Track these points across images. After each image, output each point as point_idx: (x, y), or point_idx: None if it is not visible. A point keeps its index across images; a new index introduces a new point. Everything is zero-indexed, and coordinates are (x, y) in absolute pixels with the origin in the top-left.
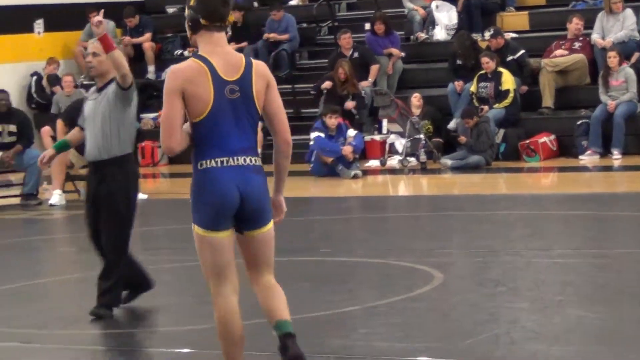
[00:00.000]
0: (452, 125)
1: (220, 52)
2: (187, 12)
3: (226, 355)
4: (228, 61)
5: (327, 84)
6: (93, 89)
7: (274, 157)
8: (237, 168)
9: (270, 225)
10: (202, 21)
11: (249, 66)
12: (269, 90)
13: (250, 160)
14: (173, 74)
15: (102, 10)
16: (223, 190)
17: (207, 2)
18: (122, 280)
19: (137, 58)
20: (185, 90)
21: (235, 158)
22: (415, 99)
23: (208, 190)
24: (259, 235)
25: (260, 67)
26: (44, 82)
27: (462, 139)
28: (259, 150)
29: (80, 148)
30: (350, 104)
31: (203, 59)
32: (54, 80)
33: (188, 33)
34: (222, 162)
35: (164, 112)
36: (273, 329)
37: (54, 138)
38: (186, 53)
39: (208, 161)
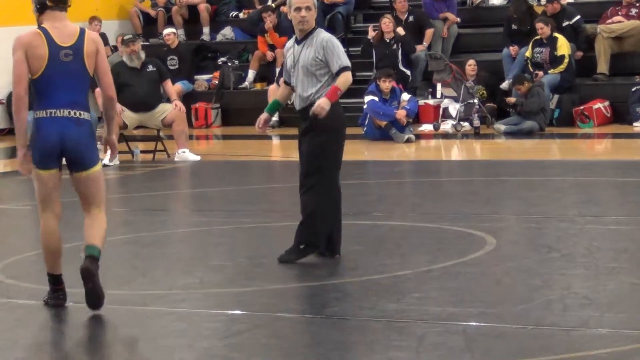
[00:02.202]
0: (504, 85)
1: (59, 25)
2: None
3: (47, 262)
4: (64, 31)
5: (375, 35)
6: (291, 42)
7: (103, 108)
8: (61, 119)
9: (96, 168)
10: (48, 3)
11: (82, 34)
12: (99, 55)
13: (75, 114)
14: (18, 40)
15: None
16: (47, 137)
17: None
18: (318, 219)
19: (192, 20)
20: (26, 52)
21: (61, 110)
22: (470, 67)
23: (38, 137)
24: (83, 176)
25: (91, 35)
26: None
27: (511, 100)
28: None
29: (133, 108)
30: (400, 30)
31: (43, 29)
32: (104, 40)
33: (35, 15)
34: (50, 113)
35: (14, 66)
36: (84, 250)
37: None
38: (241, 15)
39: (41, 112)
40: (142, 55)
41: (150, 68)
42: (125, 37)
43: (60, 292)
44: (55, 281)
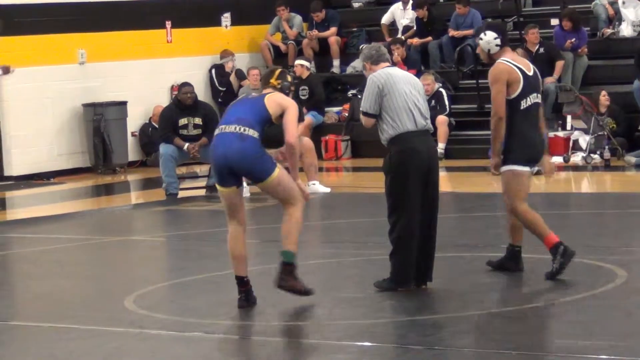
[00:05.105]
0: None
1: None
2: None
3: (233, 265)
4: None
5: None
6: None
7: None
8: (227, 134)
9: (271, 177)
10: None
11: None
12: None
13: (240, 129)
14: None
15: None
16: (214, 153)
17: None
18: (400, 258)
19: (322, 52)
20: None
21: (229, 126)
22: (604, 97)
23: (211, 153)
24: (264, 186)
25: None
26: (232, 77)
27: None
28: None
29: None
30: None
31: None
32: (241, 74)
33: None
34: (221, 128)
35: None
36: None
37: None
38: None
39: (217, 128)
40: None
41: None
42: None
43: (243, 294)
44: (239, 282)
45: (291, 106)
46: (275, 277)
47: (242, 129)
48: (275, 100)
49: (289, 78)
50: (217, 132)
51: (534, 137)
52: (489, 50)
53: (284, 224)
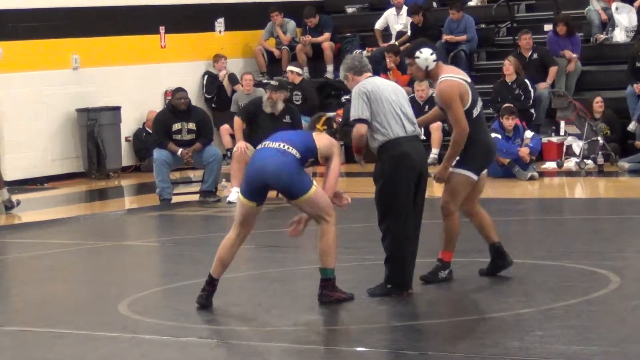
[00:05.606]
0: (631, 127)
1: None
2: None
3: (214, 265)
4: None
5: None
6: None
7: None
8: (269, 149)
9: (306, 196)
10: None
11: None
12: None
13: (283, 146)
14: None
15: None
16: (252, 165)
17: None
18: (395, 263)
19: (316, 57)
20: None
21: (273, 142)
22: (597, 104)
23: (249, 166)
24: (297, 202)
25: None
26: (225, 82)
27: (638, 144)
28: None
29: (256, 145)
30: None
31: None
32: (234, 79)
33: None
34: (264, 144)
35: None
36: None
37: (232, 136)
38: (365, 53)
39: (259, 144)
40: (279, 106)
41: (287, 119)
42: (272, 83)
43: (206, 293)
44: (209, 282)
45: (338, 156)
46: (319, 294)
47: (285, 146)
48: (323, 141)
49: (335, 125)
50: (259, 147)
51: (490, 142)
52: (426, 67)
53: (321, 243)
